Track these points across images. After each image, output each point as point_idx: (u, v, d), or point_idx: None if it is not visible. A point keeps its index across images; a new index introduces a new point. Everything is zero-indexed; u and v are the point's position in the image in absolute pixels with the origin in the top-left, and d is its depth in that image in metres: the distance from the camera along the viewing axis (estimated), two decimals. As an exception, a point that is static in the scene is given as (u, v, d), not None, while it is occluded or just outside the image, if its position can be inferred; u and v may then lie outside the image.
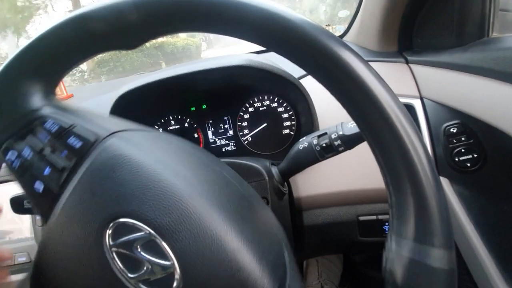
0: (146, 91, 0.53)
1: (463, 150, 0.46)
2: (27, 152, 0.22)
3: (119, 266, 0.18)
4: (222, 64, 0.51)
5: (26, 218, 0.54)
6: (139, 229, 0.19)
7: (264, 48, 0.83)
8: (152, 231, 0.18)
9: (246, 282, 0.18)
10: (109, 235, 0.19)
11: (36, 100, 0.24)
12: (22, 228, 0.53)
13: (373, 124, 0.18)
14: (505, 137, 0.39)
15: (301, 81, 0.54)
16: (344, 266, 0.94)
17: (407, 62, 0.56)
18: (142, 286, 0.18)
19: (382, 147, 0.18)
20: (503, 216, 0.44)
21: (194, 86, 0.59)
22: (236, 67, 0.51)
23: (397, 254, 0.18)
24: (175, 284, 0.18)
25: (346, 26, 0.77)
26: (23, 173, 0.22)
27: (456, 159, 0.47)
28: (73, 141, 0.22)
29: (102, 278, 0.19)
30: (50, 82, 0.25)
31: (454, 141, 0.47)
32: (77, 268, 0.19)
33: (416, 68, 0.54)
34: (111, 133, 0.22)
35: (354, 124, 0.36)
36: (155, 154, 0.22)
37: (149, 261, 0.18)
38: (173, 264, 0.18)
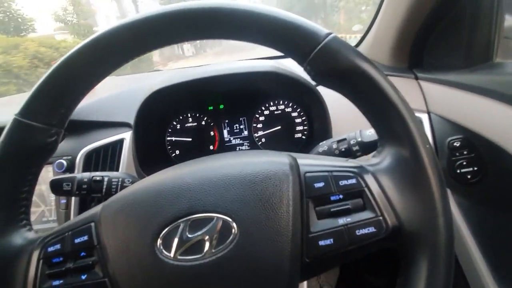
0: (173, 91, 0.56)
1: (464, 163, 0.50)
2: (57, 283, 0.24)
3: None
4: (250, 69, 0.54)
5: (50, 202, 0.56)
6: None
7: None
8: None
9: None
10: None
11: (18, 237, 0.26)
12: (45, 211, 0.55)
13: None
14: (504, 153, 0.43)
15: (318, 88, 0.58)
16: (340, 269, 0.97)
17: (417, 78, 0.60)
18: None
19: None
20: (499, 226, 0.48)
21: (216, 87, 0.62)
22: (262, 72, 0.55)
23: None
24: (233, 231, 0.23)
25: (359, 38, 0.81)
26: None
27: (458, 171, 0.51)
28: (80, 240, 0.25)
29: None
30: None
31: (457, 154, 0.51)
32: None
33: (424, 84, 0.59)
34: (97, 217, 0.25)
35: (372, 132, 0.40)
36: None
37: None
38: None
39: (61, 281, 0.24)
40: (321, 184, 0.25)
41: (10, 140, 0.25)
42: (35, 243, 0.26)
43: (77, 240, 0.25)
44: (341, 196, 0.24)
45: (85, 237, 0.25)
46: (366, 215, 0.24)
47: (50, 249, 0.25)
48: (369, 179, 0.25)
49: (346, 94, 0.26)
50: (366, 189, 0.24)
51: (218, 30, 0.25)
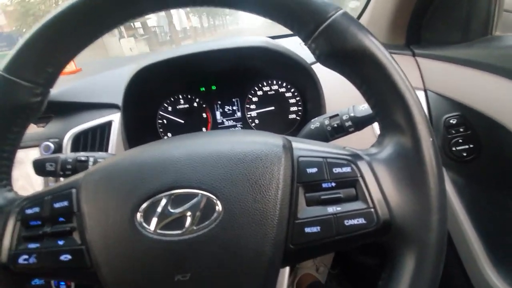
0: (161, 69, 0.54)
1: (460, 141, 0.49)
2: (33, 246, 0.23)
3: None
4: (241, 44, 0.52)
5: (38, 186, 0.55)
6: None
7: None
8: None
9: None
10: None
11: None
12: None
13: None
14: (501, 129, 0.42)
15: (313, 67, 0.56)
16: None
17: (414, 55, 0.59)
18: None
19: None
20: (493, 204, 0.47)
21: (207, 66, 0.60)
22: (254, 48, 0.52)
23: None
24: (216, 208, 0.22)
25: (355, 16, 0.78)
26: (45, 260, 0.23)
27: (453, 149, 0.50)
28: (59, 205, 0.24)
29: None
30: None
31: (453, 131, 0.50)
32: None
33: (422, 61, 0.57)
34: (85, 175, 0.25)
35: (365, 106, 0.39)
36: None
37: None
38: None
39: (37, 245, 0.23)
40: (314, 170, 0.24)
41: None
42: (13, 204, 0.25)
43: (56, 205, 0.24)
44: (333, 184, 0.24)
45: (65, 203, 0.24)
46: (357, 205, 0.23)
47: (28, 211, 0.24)
48: (365, 168, 0.24)
49: (351, 78, 0.25)
50: (360, 179, 0.23)
51: None
